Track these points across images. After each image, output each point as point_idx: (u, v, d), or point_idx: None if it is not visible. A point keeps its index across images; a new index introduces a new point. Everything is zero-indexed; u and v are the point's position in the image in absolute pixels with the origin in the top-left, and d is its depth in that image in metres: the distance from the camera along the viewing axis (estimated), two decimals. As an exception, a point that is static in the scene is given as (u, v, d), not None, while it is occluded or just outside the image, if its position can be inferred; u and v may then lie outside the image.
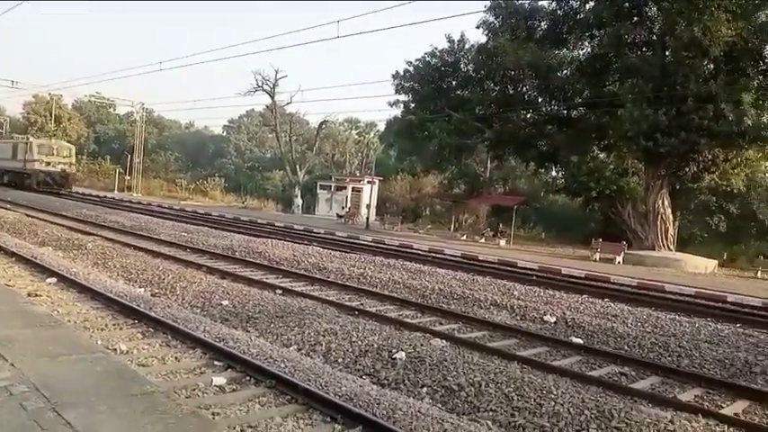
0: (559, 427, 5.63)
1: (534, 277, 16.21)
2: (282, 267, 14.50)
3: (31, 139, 42.10)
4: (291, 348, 7.81)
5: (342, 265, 15.22)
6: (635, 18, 25.19)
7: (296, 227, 26.49)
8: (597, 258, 23.77)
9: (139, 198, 42.68)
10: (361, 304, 10.89)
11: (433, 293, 12.48)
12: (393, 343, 7.85)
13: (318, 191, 42.31)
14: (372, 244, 22.46)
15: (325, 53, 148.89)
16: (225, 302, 10.13)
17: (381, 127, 53.71)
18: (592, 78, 27.27)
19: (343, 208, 37.44)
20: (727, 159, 24.62)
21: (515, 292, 13.00)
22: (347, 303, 10.75)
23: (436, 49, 34.42)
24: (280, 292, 11.36)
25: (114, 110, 76.70)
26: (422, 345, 7.89)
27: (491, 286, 13.57)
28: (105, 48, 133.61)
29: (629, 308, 12.19)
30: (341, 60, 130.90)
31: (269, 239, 19.37)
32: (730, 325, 11.26)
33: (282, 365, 6.58)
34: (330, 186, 41.40)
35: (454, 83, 34.63)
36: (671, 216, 26.24)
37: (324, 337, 8.14)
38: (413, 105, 35.94)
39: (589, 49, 28.61)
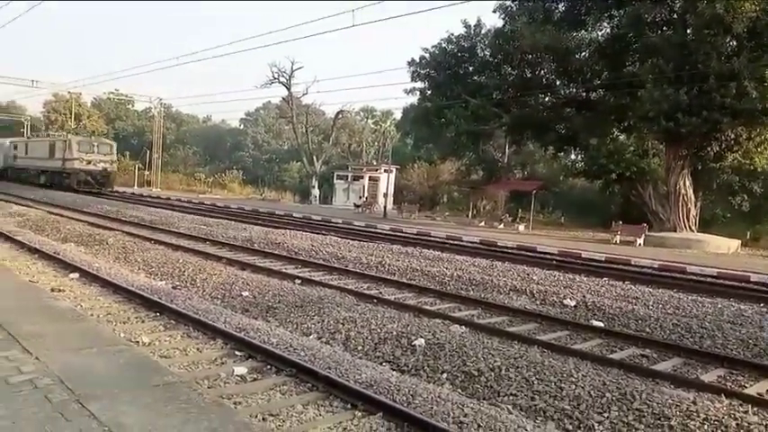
0: (580, 409, 5.60)
1: (554, 261, 16.10)
2: (301, 258, 14.58)
3: (69, 136, 40.07)
4: (311, 337, 7.87)
5: (360, 253, 15.26)
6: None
7: (314, 217, 26.62)
8: (618, 241, 23.55)
9: (159, 193, 43.16)
10: (380, 292, 10.91)
11: (451, 280, 12.46)
12: (412, 330, 7.86)
13: (335, 181, 42.37)
14: (390, 232, 22.47)
15: (340, 43, 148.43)
16: (245, 293, 10.22)
17: (398, 115, 53.81)
18: (611, 59, 26.80)
19: (360, 197, 37.44)
20: (750, 138, 24.08)
21: (535, 277, 12.93)
22: (366, 292, 10.78)
23: (452, 35, 34.03)
24: (299, 281, 11.42)
25: (133, 106, 77.39)
26: (441, 331, 7.89)
27: (510, 272, 13.52)
28: (123, 45, 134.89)
29: (651, 290, 12.09)
30: (357, 49, 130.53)
31: (287, 230, 19.48)
32: (754, 305, 11.10)
33: (303, 354, 6.63)
34: (347, 176, 41.41)
35: (471, 68, 34.18)
36: (693, 197, 25.84)
37: (343, 325, 8.18)
38: (429, 92, 35.59)
39: (608, 30, 28.09)
